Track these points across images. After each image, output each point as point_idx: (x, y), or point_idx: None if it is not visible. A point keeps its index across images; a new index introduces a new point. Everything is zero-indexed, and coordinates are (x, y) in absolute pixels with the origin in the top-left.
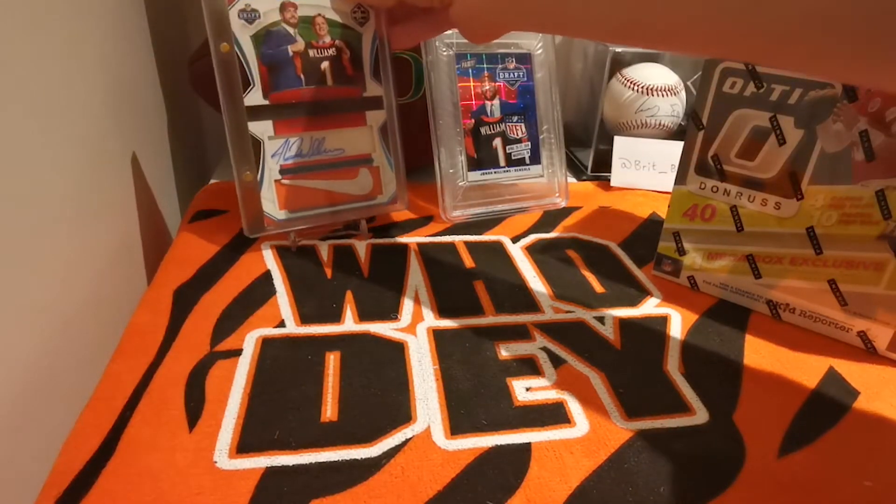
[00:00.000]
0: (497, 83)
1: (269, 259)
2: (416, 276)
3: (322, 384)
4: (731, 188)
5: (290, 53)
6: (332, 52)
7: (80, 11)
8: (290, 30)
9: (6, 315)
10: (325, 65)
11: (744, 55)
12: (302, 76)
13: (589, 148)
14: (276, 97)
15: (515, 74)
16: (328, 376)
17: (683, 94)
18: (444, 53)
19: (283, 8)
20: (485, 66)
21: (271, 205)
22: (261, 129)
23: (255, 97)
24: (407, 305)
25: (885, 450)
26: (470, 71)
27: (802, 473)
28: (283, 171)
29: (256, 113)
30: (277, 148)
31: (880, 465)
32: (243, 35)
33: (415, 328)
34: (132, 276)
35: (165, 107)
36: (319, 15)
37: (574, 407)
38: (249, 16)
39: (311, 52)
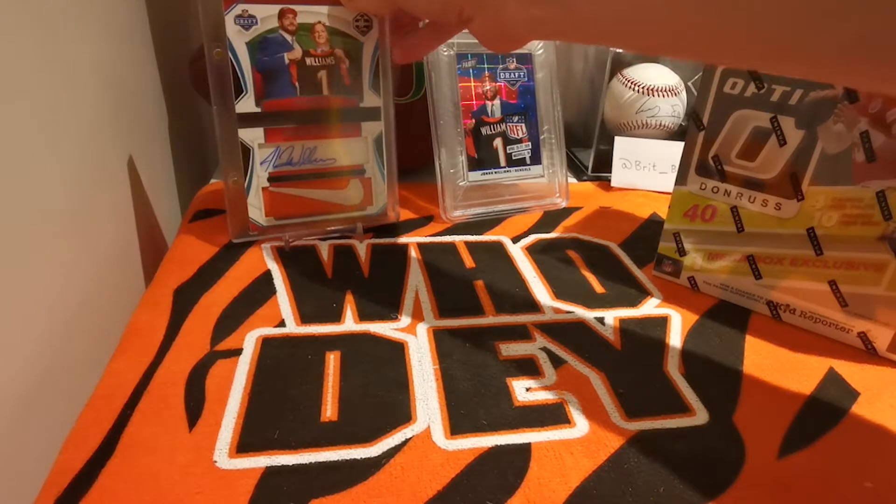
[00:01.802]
0: (498, 83)
1: (270, 259)
2: (416, 276)
3: (322, 384)
4: (732, 189)
5: (287, 61)
6: (330, 60)
7: (79, 12)
8: (288, 37)
9: (6, 315)
10: (321, 74)
11: (746, 65)
12: (297, 85)
13: (589, 148)
14: (269, 105)
15: (516, 74)
16: (328, 376)
17: (684, 94)
18: (445, 53)
19: (281, 14)
20: (485, 66)
21: (257, 211)
22: (251, 136)
23: (247, 104)
24: (407, 305)
25: (885, 451)
26: (471, 71)
27: (802, 474)
28: (272, 178)
29: (248, 120)
30: (267, 156)
31: (880, 466)
32: (238, 41)
33: (415, 328)
34: (132, 276)
35: (166, 106)
36: (319, 22)
37: (574, 407)
38: (246, 22)
39: (309, 61)
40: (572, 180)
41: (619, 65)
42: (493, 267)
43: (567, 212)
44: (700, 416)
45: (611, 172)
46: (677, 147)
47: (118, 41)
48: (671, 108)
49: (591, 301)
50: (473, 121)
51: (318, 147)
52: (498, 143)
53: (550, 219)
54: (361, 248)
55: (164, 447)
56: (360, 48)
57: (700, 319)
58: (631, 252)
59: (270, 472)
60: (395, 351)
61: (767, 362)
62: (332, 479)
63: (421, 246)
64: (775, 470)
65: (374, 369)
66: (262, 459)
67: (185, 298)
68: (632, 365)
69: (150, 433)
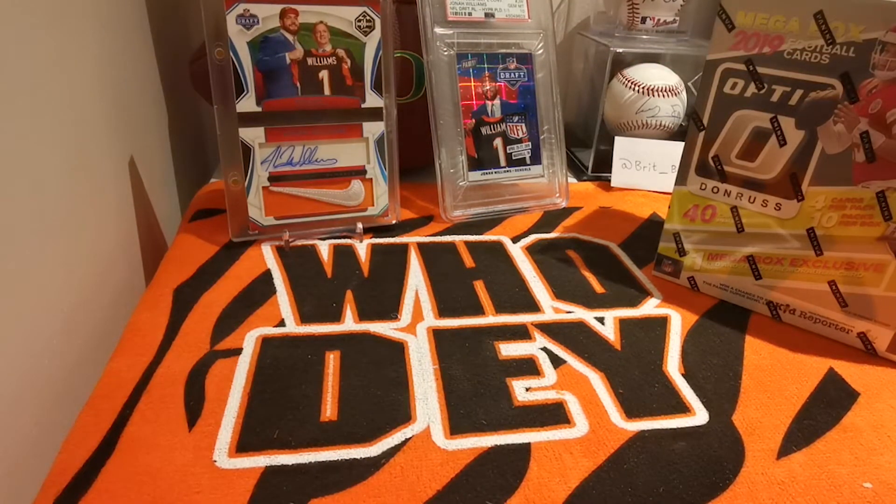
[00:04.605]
0: (498, 83)
1: (270, 258)
2: (416, 275)
3: (322, 384)
4: (732, 189)
5: (288, 61)
6: (331, 60)
7: (80, 12)
8: (290, 37)
9: (6, 315)
10: (323, 74)
11: None
12: (298, 85)
13: (589, 148)
14: (269, 105)
15: (516, 74)
16: (328, 376)
17: (684, 94)
18: (445, 53)
19: (283, 14)
20: (486, 66)
21: (258, 211)
22: (252, 135)
23: (248, 104)
24: (407, 305)
25: (884, 451)
26: (471, 71)
27: (801, 474)
28: (273, 178)
29: (249, 119)
30: (268, 155)
31: (880, 466)
32: (240, 40)
33: (415, 328)
34: (132, 275)
35: (166, 106)
36: (321, 22)
37: (574, 407)
38: (248, 21)
39: (310, 61)
40: (572, 180)
41: (619, 65)
42: (493, 267)
43: (567, 212)
44: (700, 417)
45: (611, 172)
46: (677, 147)
47: (118, 41)
48: (671, 108)
49: (591, 301)
50: (473, 121)
51: (319, 147)
52: (498, 143)
53: (550, 219)
54: (361, 248)
55: (164, 447)
56: (361, 48)
57: (700, 319)
58: (631, 252)
59: (270, 472)
60: (395, 351)
61: (767, 362)
62: (332, 479)
63: (421, 246)
64: (774, 470)
65: (374, 369)
66: (262, 459)
67: (185, 298)
68: (632, 365)
69: (150, 433)
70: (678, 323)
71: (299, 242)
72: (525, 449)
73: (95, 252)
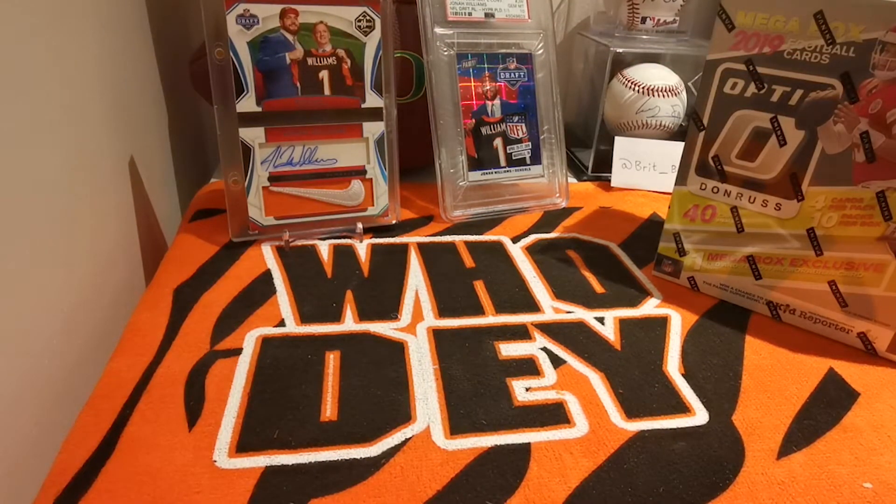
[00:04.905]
0: (498, 83)
1: (270, 258)
2: (416, 275)
3: (322, 384)
4: (732, 189)
5: (288, 61)
6: (331, 60)
7: (80, 12)
8: (290, 37)
9: (6, 315)
10: (323, 74)
11: None
12: (298, 85)
13: (589, 148)
14: (269, 105)
15: (516, 74)
16: (328, 376)
17: (684, 94)
18: (445, 53)
19: (283, 14)
20: (486, 66)
21: (257, 211)
22: (252, 135)
23: (248, 104)
24: (407, 305)
25: (884, 451)
26: (471, 71)
27: (802, 474)
28: (273, 178)
29: (249, 119)
30: (268, 155)
31: (880, 466)
32: (240, 41)
33: (415, 328)
34: (132, 275)
35: (166, 106)
36: (321, 22)
37: (574, 407)
38: (248, 21)
39: (310, 61)
40: (572, 180)
41: (619, 65)
42: (493, 267)
43: (567, 212)
44: (700, 417)
45: (611, 172)
46: (677, 147)
47: (118, 41)
48: (671, 108)
49: (591, 301)
50: (473, 121)
51: (319, 147)
52: (498, 143)
53: (550, 219)
54: (361, 248)
55: (164, 447)
56: (361, 48)
57: (700, 319)
58: (631, 252)
59: (270, 472)
60: (395, 351)
61: (767, 362)
62: (332, 479)
63: (421, 246)
64: (774, 470)
65: (374, 369)
66: (262, 459)
67: (185, 298)
68: (632, 365)
69: (150, 432)
70: (678, 323)
71: (299, 242)
72: (525, 449)
73: (95, 252)
